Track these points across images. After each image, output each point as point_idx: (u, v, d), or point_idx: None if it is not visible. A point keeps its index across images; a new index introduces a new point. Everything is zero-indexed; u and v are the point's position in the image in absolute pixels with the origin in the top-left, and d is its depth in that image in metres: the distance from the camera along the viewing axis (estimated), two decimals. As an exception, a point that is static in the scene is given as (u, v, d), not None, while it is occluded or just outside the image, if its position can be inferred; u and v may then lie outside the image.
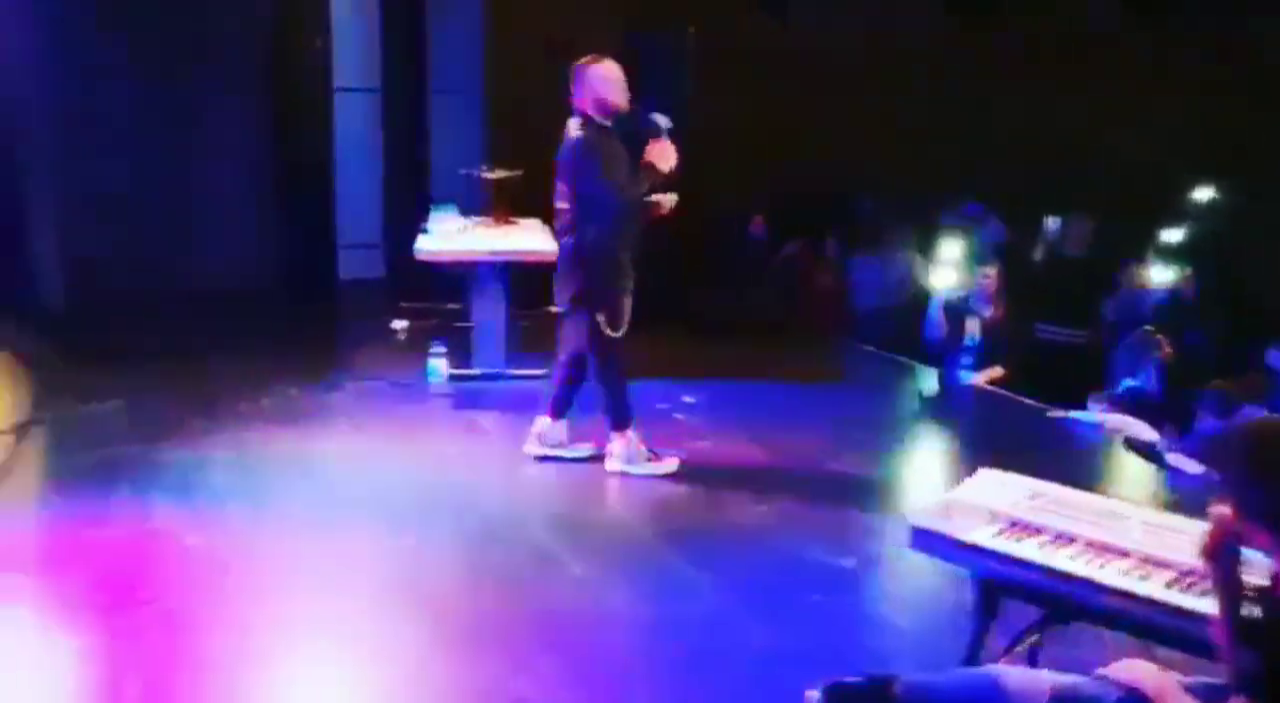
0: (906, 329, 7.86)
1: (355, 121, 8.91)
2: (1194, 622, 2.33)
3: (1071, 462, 5.77)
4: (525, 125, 7.75)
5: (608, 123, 4.94)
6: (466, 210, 7.40)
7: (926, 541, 2.79)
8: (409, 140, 8.98)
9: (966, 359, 6.94)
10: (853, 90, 9.24)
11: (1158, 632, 2.50)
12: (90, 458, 5.16)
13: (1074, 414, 6.15)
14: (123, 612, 3.74)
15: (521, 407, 5.74)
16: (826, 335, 8.15)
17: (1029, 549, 2.64)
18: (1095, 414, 6.09)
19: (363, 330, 8.00)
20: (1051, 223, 8.47)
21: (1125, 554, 2.58)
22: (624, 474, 5.14)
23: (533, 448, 5.30)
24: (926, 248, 8.40)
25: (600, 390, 5.16)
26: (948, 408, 6.53)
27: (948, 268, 7.13)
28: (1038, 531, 2.70)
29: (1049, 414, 6.22)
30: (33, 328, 6.80)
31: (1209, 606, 2.22)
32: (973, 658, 2.74)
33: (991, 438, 5.98)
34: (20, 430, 5.40)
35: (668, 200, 5.00)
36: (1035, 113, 9.72)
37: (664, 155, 4.90)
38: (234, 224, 8.60)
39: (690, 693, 3.35)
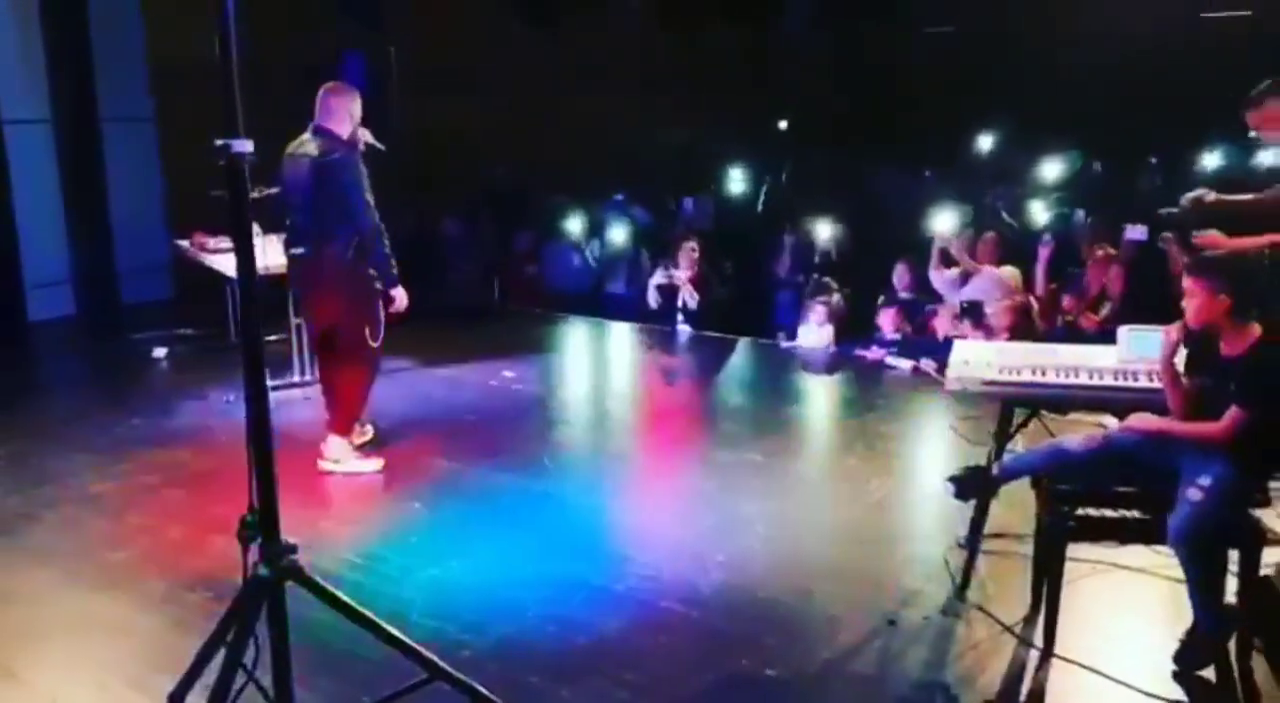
0: (601, 301, 9.40)
1: (27, 155, 8.50)
2: (1136, 394, 4.09)
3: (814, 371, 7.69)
4: (202, 148, 8.10)
5: (355, 146, 5.26)
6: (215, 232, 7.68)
7: (960, 385, 4.31)
8: (88, 172, 8.73)
9: (682, 317, 8.61)
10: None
11: (1110, 405, 4.26)
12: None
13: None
14: None
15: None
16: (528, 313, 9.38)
17: (1026, 375, 4.27)
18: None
19: (112, 365, 7.90)
20: (687, 203, 10.38)
21: (1075, 369, 4.30)
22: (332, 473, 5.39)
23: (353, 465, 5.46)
24: (594, 234, 9.94)
25: (341, 394, 5.41)
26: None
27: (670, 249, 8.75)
28: (1018, 367, 4.34)
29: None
30: None
31: (1144, 384, 3.99)
32: (1000, 456, 4.30)
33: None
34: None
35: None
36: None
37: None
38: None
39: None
